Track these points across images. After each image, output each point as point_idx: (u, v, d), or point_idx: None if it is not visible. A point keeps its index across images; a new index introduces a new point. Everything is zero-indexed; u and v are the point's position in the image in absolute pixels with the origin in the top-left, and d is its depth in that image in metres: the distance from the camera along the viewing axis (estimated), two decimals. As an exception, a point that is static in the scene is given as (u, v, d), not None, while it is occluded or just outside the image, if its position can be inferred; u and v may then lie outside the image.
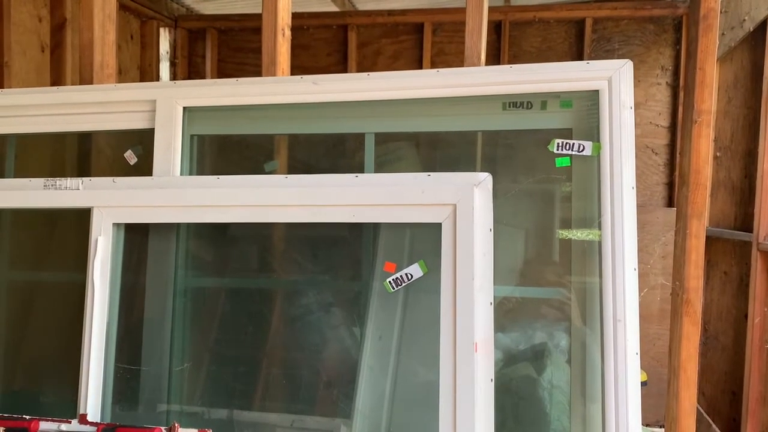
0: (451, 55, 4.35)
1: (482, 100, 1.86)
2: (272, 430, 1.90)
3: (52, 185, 1.94)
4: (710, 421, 3.46)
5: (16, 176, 2.19)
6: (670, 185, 4.17)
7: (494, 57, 4.26)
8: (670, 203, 4.15)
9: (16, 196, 1.97)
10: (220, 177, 1.85)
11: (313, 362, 2.01)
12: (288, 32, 2.11)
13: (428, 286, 1.73)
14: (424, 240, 1.76)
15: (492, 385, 1.63)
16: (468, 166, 2.00)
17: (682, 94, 3.99)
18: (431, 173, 1.71)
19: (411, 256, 1.78)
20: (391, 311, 1.85)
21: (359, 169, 1.95)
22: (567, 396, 1.82)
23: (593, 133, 1.77)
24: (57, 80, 3.30)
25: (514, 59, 4.25)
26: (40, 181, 1.95)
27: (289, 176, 1.82)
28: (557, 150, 1.78)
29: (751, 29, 3.15)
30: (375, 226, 1.87)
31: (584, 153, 1.77)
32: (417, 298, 1.82)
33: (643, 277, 3.95)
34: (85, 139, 2.23)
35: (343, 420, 1.86)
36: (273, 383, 1.99)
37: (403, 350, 1.85)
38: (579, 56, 4.19)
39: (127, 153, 2.10)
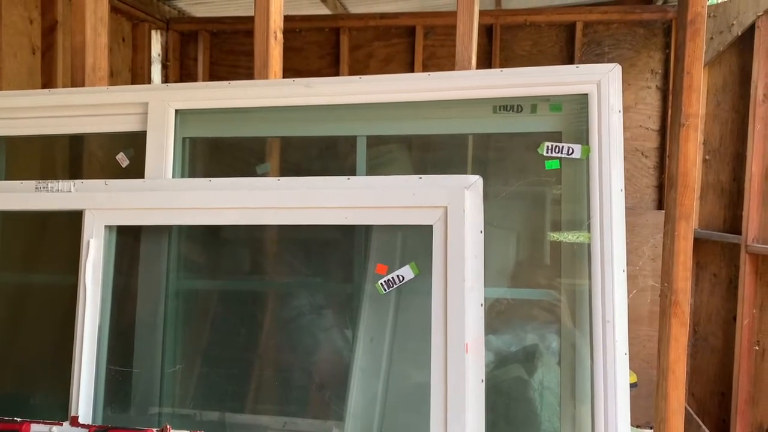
0: (442, 59, 4.37)
1: (473, 103, 1.88)
2: (264, 432, 1.91)
3: (43, 188, 1.93)
4: (700, 421, 3.49)
5: (7, 179, 2.19)
6: (659, 188, 4.19)
7: (485, 60, 4.28)
8: (659, 206, 4.18)
9: (7, 198, 1.96)
10: (212, 179, 1.86)
11: (305, 364, 2.01)
12: (280, 35, 2.12)
13: (420, 288, 1.74)
14: (416, 242, 1.77)
15: (483, 385, 1.64)
16: (459, 168, 2.01)
17: (671, 98, 4.03)
18: (422, 176, 1.73)
19: (403, 258, 1.79)
20: (383, 313, 1.86)
21: (351, 171, 1.96)
22: (557, 397, 1.83)
23: (583, 137, 1.79)
24: (48, 83, 3.29)
25: (506, 63, 4.27)
26: (32, 183, 1.95)
27: (282, 179, 1.83)
28: (547, 153, 1.80)
29: (739, 33, 3.19)
30: (367, 229, 1.88)
31: (573, 156, 1.78)
32: (409, 300, 1.83)
33: (632, 279, 3.98)
34: (76, 141, 2.23)
35: (335, 422, 1.86)
36: (265, 385, 1.99)
37: (395, 352, 1.86)
38: (569, 60, 4.21)
39: (119, 155, 2.10)
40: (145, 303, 1.96)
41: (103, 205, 1.89)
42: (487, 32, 4.28)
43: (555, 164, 1.81)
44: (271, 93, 1.98)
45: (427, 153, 2.18)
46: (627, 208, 1.76)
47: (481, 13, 4.12)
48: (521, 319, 2.02)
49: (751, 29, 3.03)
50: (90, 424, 1.79)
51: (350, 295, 1.98)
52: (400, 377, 1.85)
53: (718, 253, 3.51)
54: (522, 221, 1.98)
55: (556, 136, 1.82)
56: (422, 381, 1.68)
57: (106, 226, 1.89)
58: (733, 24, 3.29)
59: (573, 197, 1.80)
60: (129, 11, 4.17)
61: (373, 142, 2.01)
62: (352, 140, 1.99)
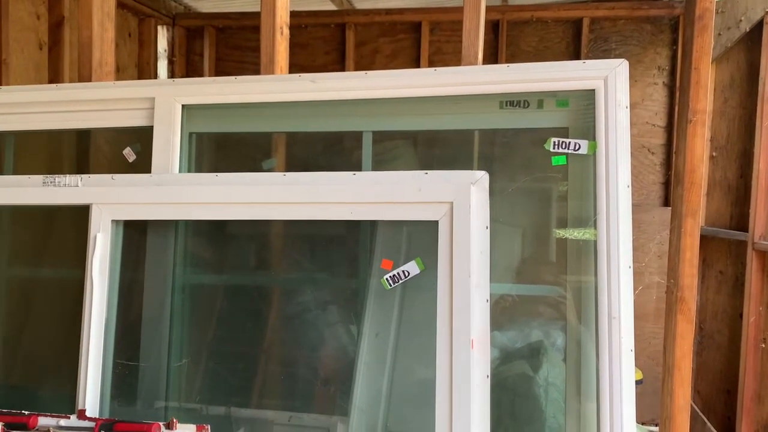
0: (448, 54, 4.36)
1: (479, 99, 1.87)
2: (269, 427, 1.91)
3: (51, 182, 1.94)
4: (705, 419, 3.48)
5: (15, 173, 2.20)
6: (666, 184, 4.18)
7: (492, 56, 4.26)
8: (666, 202, 4.17)
9: (15, 193, 1.97)
10: (219, 174, 1.86)
11: (310, 359, 2.02)
12: (286, 31, 2.12)
13: (425, 284, 1.74)
14: (421, 237, 1.77)
15: (488, 381, 1.64)
16: (465, 164, 2.01)
17: (678, 94, 4.01)
18: (428, 171, 1.72)
19: (408, 254, 1.79)
20: (388, 308, 1.86)
21: (357, 167, 1.96)
22: (563, 394, 1.83)
23: (589, 132, 1.79)
24: (55, 78, 3.30)
25: (512, 58, 4.26)
26: (39, 178, 1.96)
27: (287, 174, 1.83)
28: (553, 149, 1.80)
29: (748, 30, 3.17)
30: (373, 224, 1.88)
31: (580, 152, 1.78)
32: (414, 296, 1.83)
33: (639, 275, 3.97)
34: (83, 136, 2.23)
35: (340, 417, 1.87)
36: (271, 380, 2.00)
37: (400, 347, 1.86)
38: (576, 56, 4.20)
39: (125, 150, 2.11)
40: (151, 297, 1.96)
41: (110, 200, 1.89)
42: (493, 28, 4.27)
43: (561, 160, 1.80)
44: (277, 88, 1.98)
45: (433, 149, 2.17)
46: (633, 205, 1.76)
47: (488, 9, 4.10)
48: (527, 315, 2.01)
49: (759, 25, 3.01)
50: (97, 417, 1.80)
51: (356, 290, 1.98)
52: (405, 372, 1.85)
53: (725, 251, 3.50)
54: (528, 217, 1.98)
55: (562, 132, 1.82)
56: (428, 376, 1.68)
57: (113, 220, 1.90)
58: (741, 20, 3.27)
59: (579, 193, 1.79)
60: (135, 7, 4.18)
61: (379, 137, 2.00)
62: (358, 136, 1.99)
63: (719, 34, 3.55)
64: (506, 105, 1.86)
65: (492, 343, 1.75)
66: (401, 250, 1.82)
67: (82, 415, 1.78)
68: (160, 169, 1.98)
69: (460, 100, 1.88)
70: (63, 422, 1.76)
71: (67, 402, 1.86)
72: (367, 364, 1.85)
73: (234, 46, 4.60)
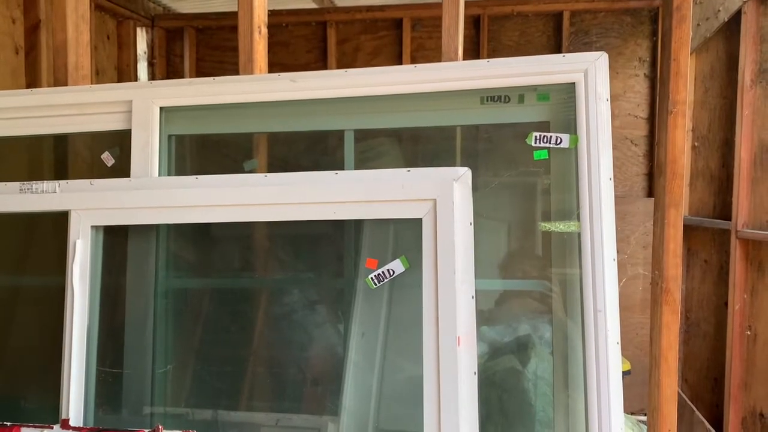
0: (430, 50, 4.36)
1: (460, 94, 1.87)
2: (257, 430, 1.90)
3: (28, 189, 1.91)
4: (693, 407, 3.51)
5: (-9, 181, 2.16)
6: (650, 176, 4.20)
7: (473, 52, 4.26)
8: (650, 193, 4.19)
9: (-8, 200, 1.94)
10: (199, 177, 1.84)
11: (298, 361, 2.00)
12: (264, 30, 2.10)
13: (412, 282, 1.73)
14: (408, 235, 1.76)
15: (475, 378, 1.64)
16: (448, 160, 2.00)
17: (658, 85, 4.02)
18: (411, 168, 1.72)
19: (396, 252, 1.78)
20: (376, 307, 1.85)
21: (340, 166, 1.95)
22: (551, 387, 1.83)
23: (570, 126, 1.78)
24: (33, 82, 3.25)
25: (494, 53, 4.26)
26: (16, 185, 1.93)
27: (269, 175, 1.81)
28: (535, 143, 1.79)
29: (726, 20, 3.19)
30: (359, 223, 1.87)
31: (562, 145, 1.78)
32: (402, 294, 1.82)
33: (624, 267, 3.99)
34: (61, 141, 2.20)
35: (331, 417, 1.86)
36: (258, 383, 1.98)
37: (388, 346, 1.85)
38: (557, 49, 4.21)
39: (104, 155, 2.08)
40: (134, 303, 1.94)
41: (88, 206, 1.87)
42: (474, 23, 4.27)
43: (543, 154, 1.80)
44: (256, 88, 1.96)
45: (416, 146, 2.17)
46: (617, 197, 1.76)
47: (469, 3, 4.10)
48: (513, 309, 2.01)
49: (737, 15, 3.03)
50: (81, 426, 1.77)
51: (342, 290, 1.97)
52: (394, 371, 1.85)
53: (709, 240, 3.52)
54: (512, 212, 1.98)
55: (544, 126, 1.81)
56: (417, 374, 1.67)
57: (92, 226, 1.87)
58: (719, 10, 3.29)
59: (562, 187, 1.79)
60: (113, 8, 4.13)
61: (362, 136, 1.99)
62: (340, 135, 1.98)
63: (698, 25, 3.57)
64: (487, 100, 1.85)
65: (479, 338, 1.75)
66: (389, 249, 1.81)
67: (65, 424, 1.75)
68: (139, 172, 1.96)
69: (441, 96, 1.88)
70: (46, 432, 1.74)
71: (50, 411, 1.84)
72: (356, 363, 1.85)
73: (214, 47, 4.57)
